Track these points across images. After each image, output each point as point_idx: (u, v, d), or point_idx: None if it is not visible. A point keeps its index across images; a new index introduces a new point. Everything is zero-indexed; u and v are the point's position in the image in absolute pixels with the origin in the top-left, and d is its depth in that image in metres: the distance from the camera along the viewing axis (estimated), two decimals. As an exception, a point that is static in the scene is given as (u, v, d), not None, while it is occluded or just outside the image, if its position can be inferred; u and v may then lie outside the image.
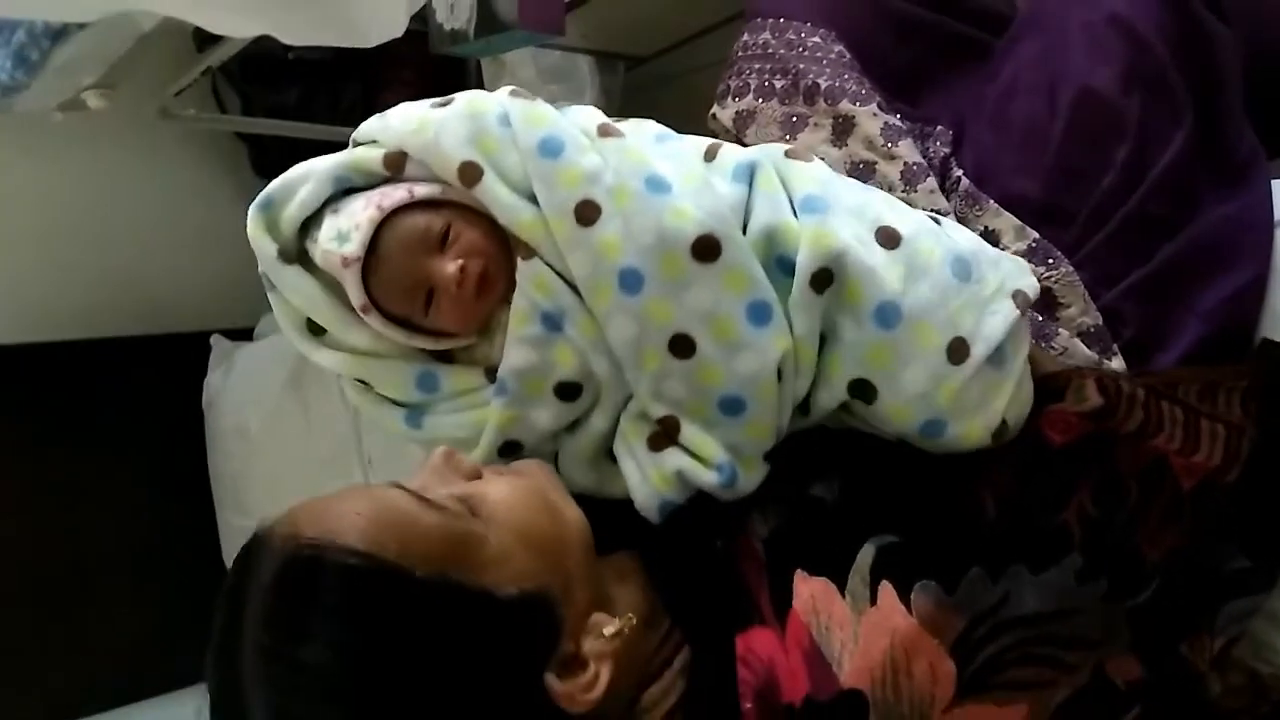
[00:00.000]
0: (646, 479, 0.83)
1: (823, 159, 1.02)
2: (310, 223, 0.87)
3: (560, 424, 0.86)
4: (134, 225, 2.20)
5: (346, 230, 0.83)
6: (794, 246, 0.79)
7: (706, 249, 0.78)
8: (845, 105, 1.02)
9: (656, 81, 1.88)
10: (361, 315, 0.85)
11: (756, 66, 1.10)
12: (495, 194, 0.82)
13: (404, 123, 0.87)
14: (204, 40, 1.82)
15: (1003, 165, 0.96)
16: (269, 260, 0.86)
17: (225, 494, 2.04)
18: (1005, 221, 0.94)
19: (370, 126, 0.92)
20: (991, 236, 0.94)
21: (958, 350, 0.77)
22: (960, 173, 0.99)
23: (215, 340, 2.14)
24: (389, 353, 0.89)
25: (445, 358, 0.91)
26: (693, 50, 1.79)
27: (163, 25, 1.42)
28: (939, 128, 1.03)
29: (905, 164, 0.98)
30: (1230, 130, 0.96)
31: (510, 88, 0.91)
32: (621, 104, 1.87)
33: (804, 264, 0.77)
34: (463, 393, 0.88)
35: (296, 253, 0.88)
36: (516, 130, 0.84)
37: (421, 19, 2.17)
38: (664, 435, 0.82)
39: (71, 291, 2.13)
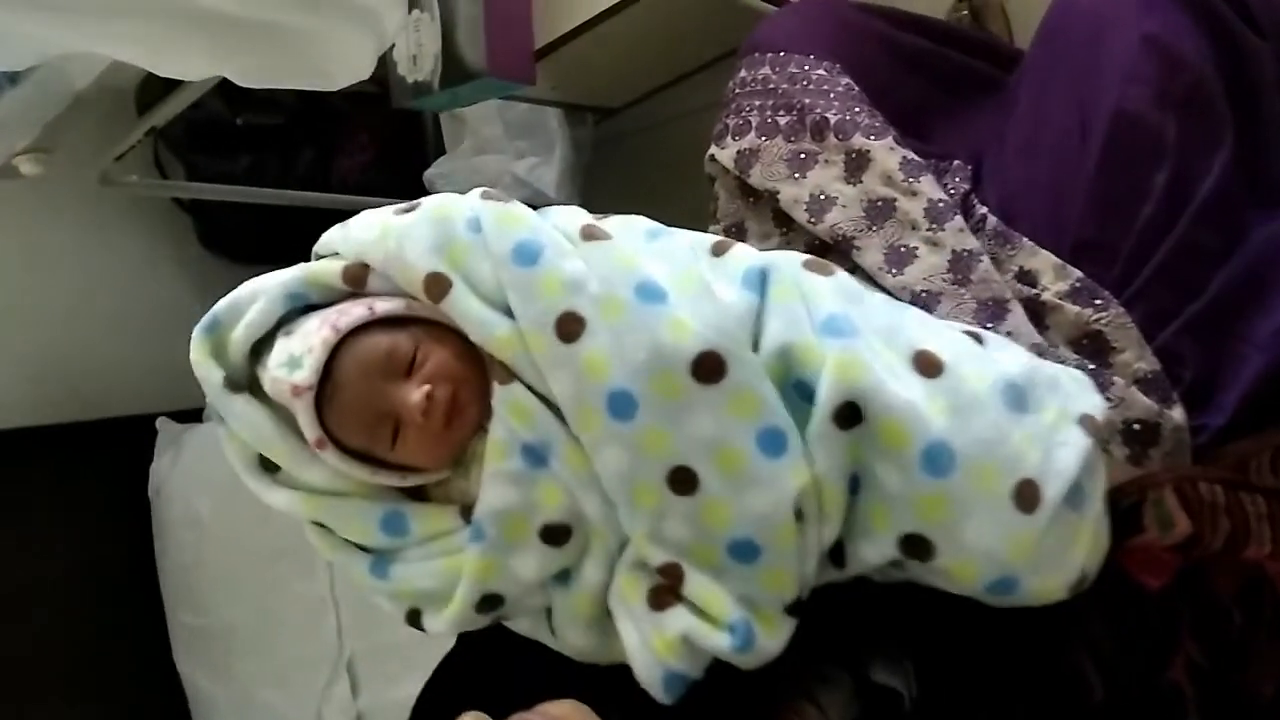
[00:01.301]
0: (648, 645, 0.72)
1: (835, 197, 0.95)
2: (261, 346, 0.79)
3: (546, 573, 0.76)
4: (72, 301, 2.09)
5: (298, 354, 0.75)
6: (815, 370, 0.70)
7: (709, 368, 0.69)
8: (859, 139, 0.94)
9: (627, 134, 1.80)
10: (315, 450, 0.77)
11: (757, 103, 1.02)
12: (465, 308, 0.74)
13: (365, 231, 0.80)
14: (146, 101, 1.72)
15: (1034, 199, 0.87)
16: (214, 389, 0.78)
17: (176, 590, 1.91)
18: (1043, 260, 0.85)
19: (331, 237, 0.84)
20: (1029, 277, 0.85)
21: (1027, 495, 0.66)
22: (985, 210, 0.91)
23: (162, 423, 2.04)
24: (350, 491, 0.79)
25: (416, 494, 0.82)
26: (663, 101, 1.72)
27: (100, 84, 1.32)
28: (955, 162, 0.95)
29: (929, 200, 0.90)
30: (1272, 147, 0.89)
31: (481, 190, 0.83)
32: (591, 158, 1.79)
33: (827, 397, 0.68)
34: (435, 536, 0.78)
35: (246, 380, 0.79)
36: (488, 235, 0.76)
37: (376, 80, 2.12)
38: (667, 589, 0.72)
39: (2, 374, 2.00)
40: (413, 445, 0.76)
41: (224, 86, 2.00)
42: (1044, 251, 0.85)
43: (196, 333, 0.79)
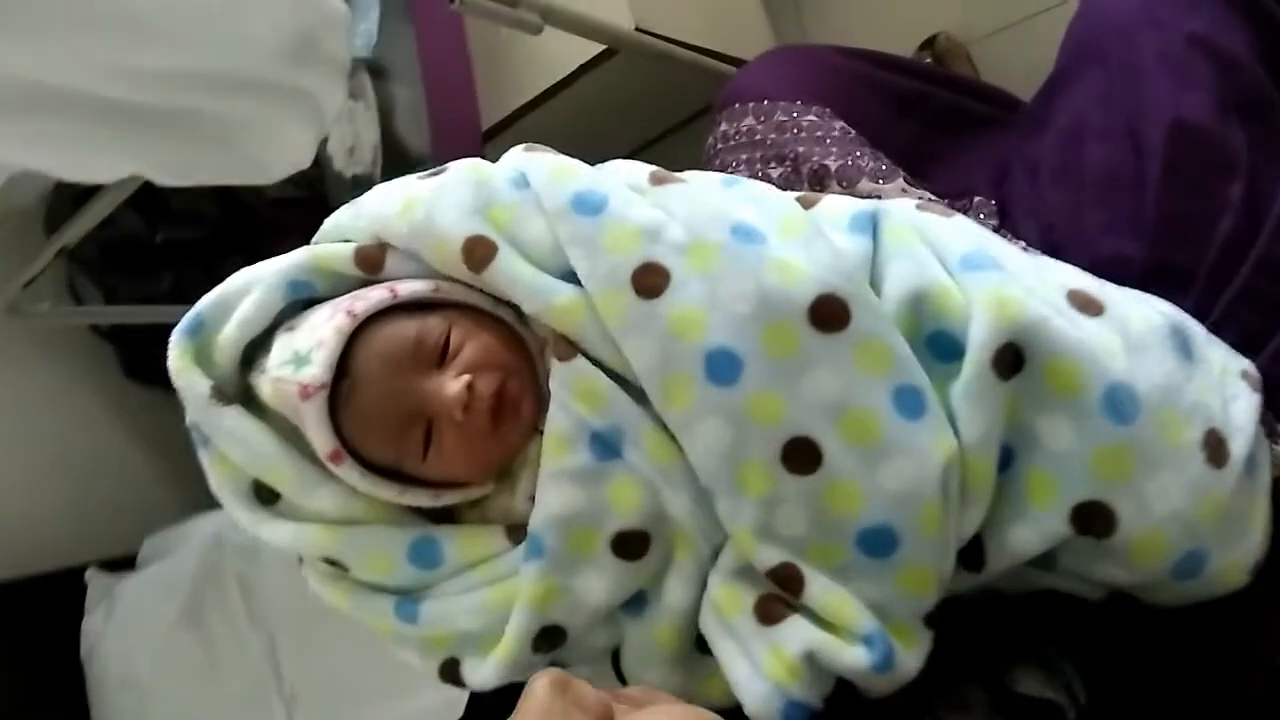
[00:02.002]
0: (759, 669, 0.59)
1: None
2: (256, 349, 0.67)
3: (620, 597, 0.63)
4: (-20, 448, 1.95)
5: (306, 349, 0.64)
6: (956, 317, 0.60)
7: (830, 314, 0.59)
8: (866, 185, 0.85)
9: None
10: (331, 467, 0.64)
11: (744, 156, 0.93)
12: (515, 273, 0.63)
13: (382, 204, 0.69)
14: (54, 221, 1.58)
15: (1085, 226, 0.79)
16: (199, 402, 0.65)
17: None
18: None
19: (338, 219, 0.72)
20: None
21: (1215, 446, 0.57)
22: (1021, 244, 0.81)
23: (91, 575, 1.86)
24: (369, 517, 0.66)
25: (447, 517, 0.69)
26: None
27: (3, 203, 1.19)
28: (976, 199, 0.87)
29: (956, 242, 0.81)
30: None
31: (522, 145, 0.72)
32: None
33: (982, 338, 0.58)
34: (476, 563, 0.65)
35: (238, 390, 0.68)
36: (539, 189, 0.65)
37: (306, 183, 2.01)
38: (778, 599, 0.60)
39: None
40: (451, 451, 0.64)
41: (139, 201, 1.93)
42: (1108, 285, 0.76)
43: (176, 335, 0.67)
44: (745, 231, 0.62)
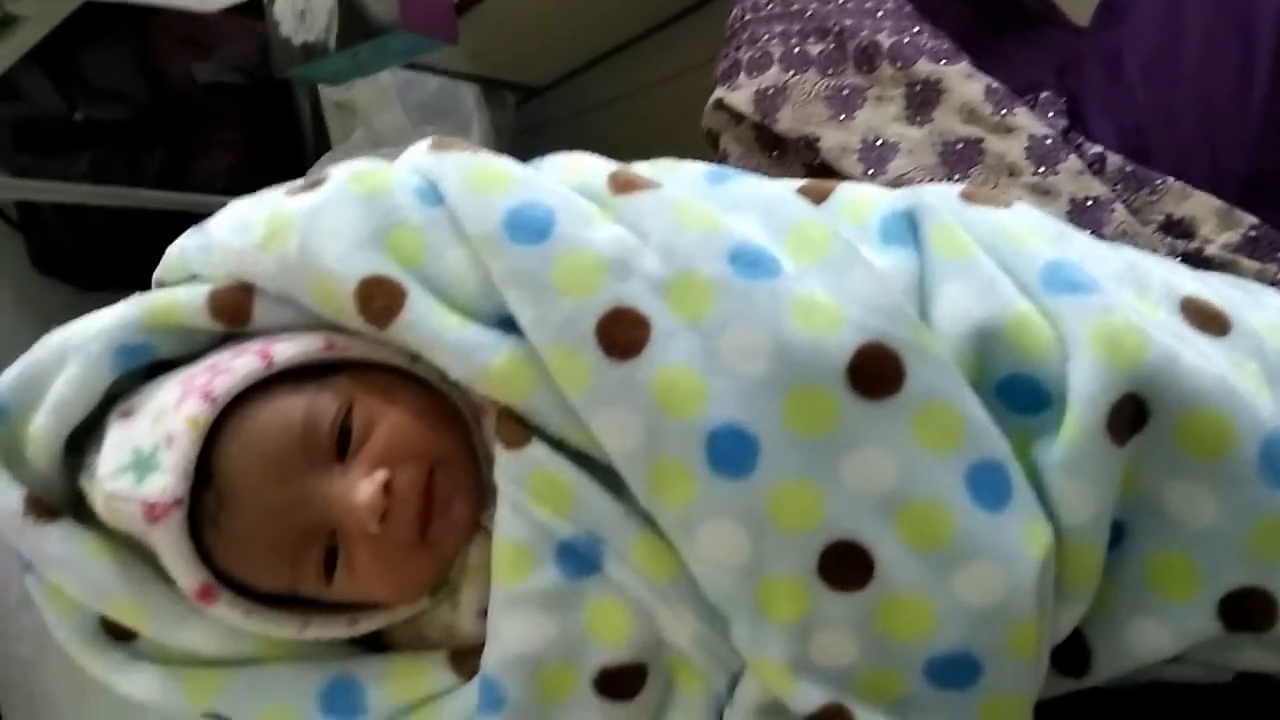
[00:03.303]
0: None
1: (897, 142, 0.73)
2: (83, 439, 0.53)
3: None
4: None
5: (149, 448, 0.49)
6: (1041, 356, 0.46)
7: (878, 372, 0.45)
8: (925, 66, 0.73)
9: (553, 121, 1.56)
10: (200, 606, 0.50)
11: (779, 29, 0.80)
12: (433, 326, 0.49)
13: (238, 233, 0.53)
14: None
15: (1175, 128, 0.67)
16: (10, 521, 0.51)
17: (13, 689, 1.62)
18: (1200, 204, 0.65)
19: (182, 248, 0.55)
20: (1181, 227, 0.65)
21: None
22: (1099, 148, 0.70)
23: None
24: (264, 653, 0.53)
25: (373, 640, 0.56)
26: (595, 80, 1.49)
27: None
28: (1044, 94, 0.75)
29: (1030, 138, 0.70)
30: None
31: (429, 140, 0.56)
32: (511, 150, 1.54)
33: (1092, 391, 0.44)
34: (413, 707, 0.51)
35: (63, 497, 0.53)
36: (456, 205, 0.50)
37: (240, 68, 1.83)
38: None
39: None
40: (366, 572, 0.50)
41: (57, 76, 1.75)
42: (1199, 193, 0.65)
43: None
44: (749, 258, 0.47)
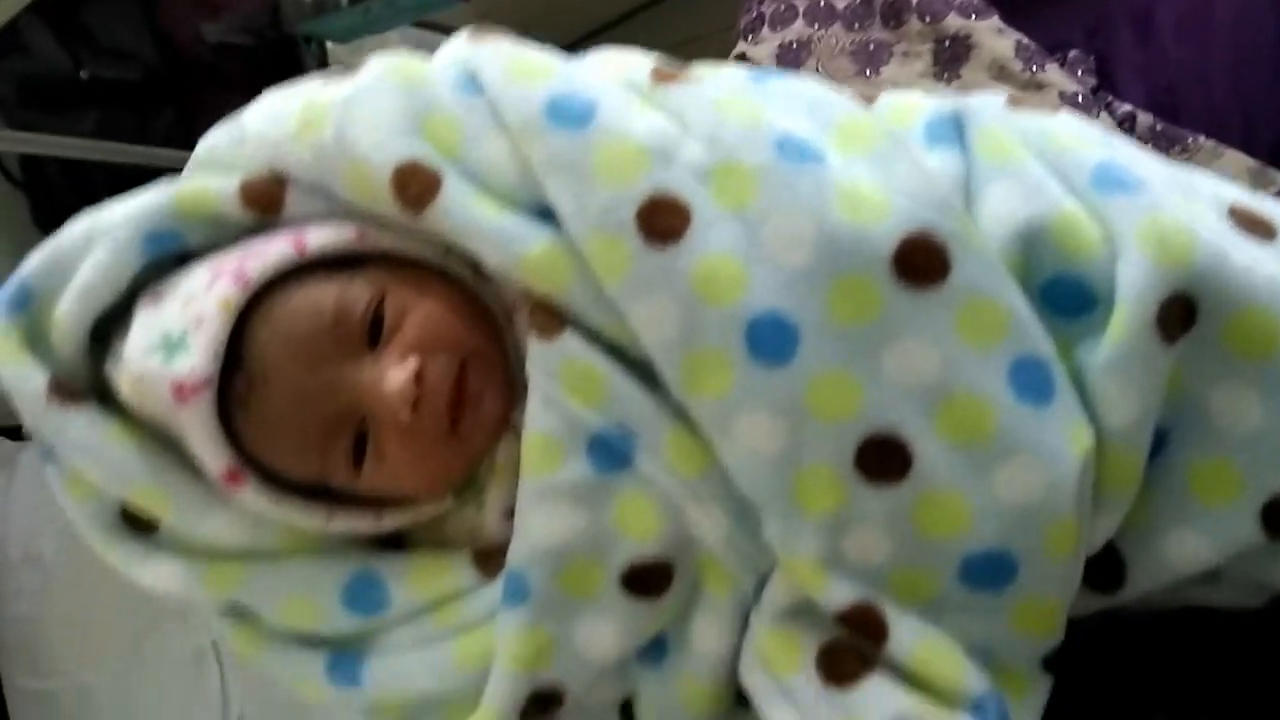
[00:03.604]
0: None
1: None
2: (110, 326, 0.52)
3: (633, 645, 0.49)
4: None
5: (179, 330, 0.48)
6: (1089, 256, 0.45)
7: (923, 261, 0.44)
8: (954, 20, 0.73)
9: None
10: (227, 490, 0.50)
11: (804, -18, 0.78)
12: (470, 212, 0.47)
13: (272, 121, 0.52)
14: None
15: (1207, 86, 0.67)
16: (33, 403, 0.50)
17: (15, 648, 1.61)
18: (1231, 163, 0.65)
19: (213, 144, 0.55)
20: None
21: None
22: (1128, 106, 0.69)
23: None
24: (286, 547, 0.52)
25: (394, 541, 0.55)
26: (609, 43, 1.47)
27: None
28: (1073, 52, 0.74)
29: (1061, 94, 0.69)
30: None
31: (467, 30, 0.54)
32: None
33: (1142, 288, 0.43)
34: (436, 604, 0.51)
35: (87, 381, 0.52)
36: (496, 94, 0.49)
37: (248, 29, 1.81)
38: (852, 651, 0.46)
39: None
40: (396, 462, 0.49)
41: (64, 33, 1.73)
42: (1231, 151, 0.65)
43: None
44: (794, 147, 0.46)
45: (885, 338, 0.44)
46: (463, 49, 0.53)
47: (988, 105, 0.51)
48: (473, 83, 0.50)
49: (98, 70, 1.69)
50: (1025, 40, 0.71)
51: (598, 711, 0.52)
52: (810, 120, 0.48)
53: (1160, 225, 0.44)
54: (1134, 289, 0.43)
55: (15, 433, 1.73)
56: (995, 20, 0.72)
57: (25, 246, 1.79)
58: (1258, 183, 0.63)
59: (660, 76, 0.50)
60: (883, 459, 0.44)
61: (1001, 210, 0.46)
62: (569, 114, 0.47)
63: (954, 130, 0.50)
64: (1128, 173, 0.47)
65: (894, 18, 0.74)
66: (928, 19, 0.73)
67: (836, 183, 0.45)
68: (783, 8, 0.79)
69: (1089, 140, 0.49)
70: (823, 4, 0.77)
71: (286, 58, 1.79)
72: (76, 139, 1.54)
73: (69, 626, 1.53)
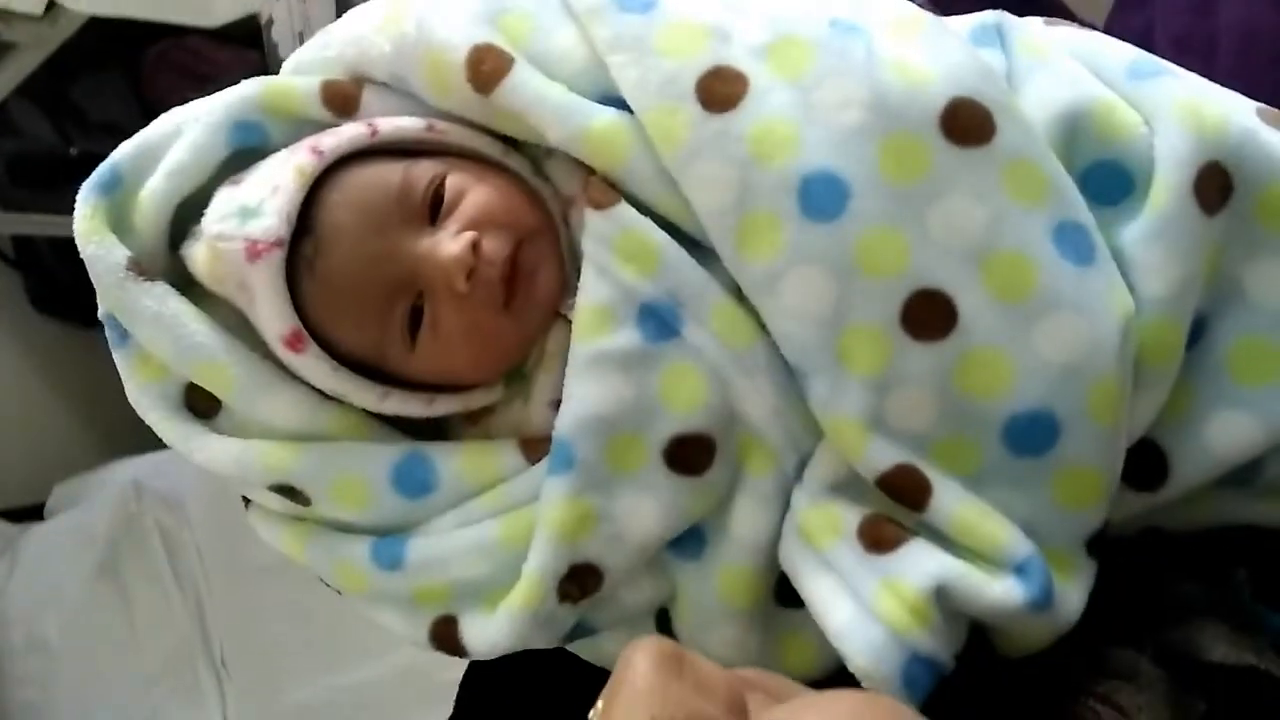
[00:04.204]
0: (868, 610, 0.45)
1: None
2: (191, 214, 0.53)
3: (674, 527, 0.49)
4: None
5: (256, 200, 0.50)
6: (1127, 139, 0.47)
7: (970, 123, 0.46)
8: None
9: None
10: (287, 356, 0.52)
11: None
12: (537, 89, 0.50)
13: (358, 21, 0.55)
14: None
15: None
16: (112, 277, 0.52)
17: None
18: None
19: (299, 56, 0.58)
20: None
21: None
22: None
23: None
24: (339, 431, 0.53)
25: (437, 433, 0.56)
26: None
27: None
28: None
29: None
30: None
31: None
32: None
33: (1179, 156, 0.45)
34: (482, 488, 0.52)
35: (165, 265, 0.54)
36: None
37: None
38: (890, 519, 0.47)
39: None
40: (450, 334, 0.51)
41: (53, 110, 1.75)
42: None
43: (85, 192, 0.53)
44: (847, 25, 0.49)
45: (933, 195, 0.45)
46: None
47: (1024, 20, 0.54)
48: None
49: (88, 146, 1.73)
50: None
51: (635, 615, 0.52)
52: (859, 11, 0.51)
53: (1195, 102, 0.46)
54: (1172, 157, 0.45)
55: (16, 515, 1.80)
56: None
57: (20, 323, 1.82)
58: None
59: None
60: (928, 315, 0.45)
61: (1044, 96, 0.48)
62: (633, 0, 0.50)
63: (995, 34, 0.52)
64: (1161, 65, 0.49)
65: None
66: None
67: (887, 52, 0.48)
68: None
69: (1122, 45, 0.51)
70: None
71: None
72: (68, 217, 1.54)
73: (77, 711, 1.52)
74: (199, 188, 0.53)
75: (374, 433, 0.54)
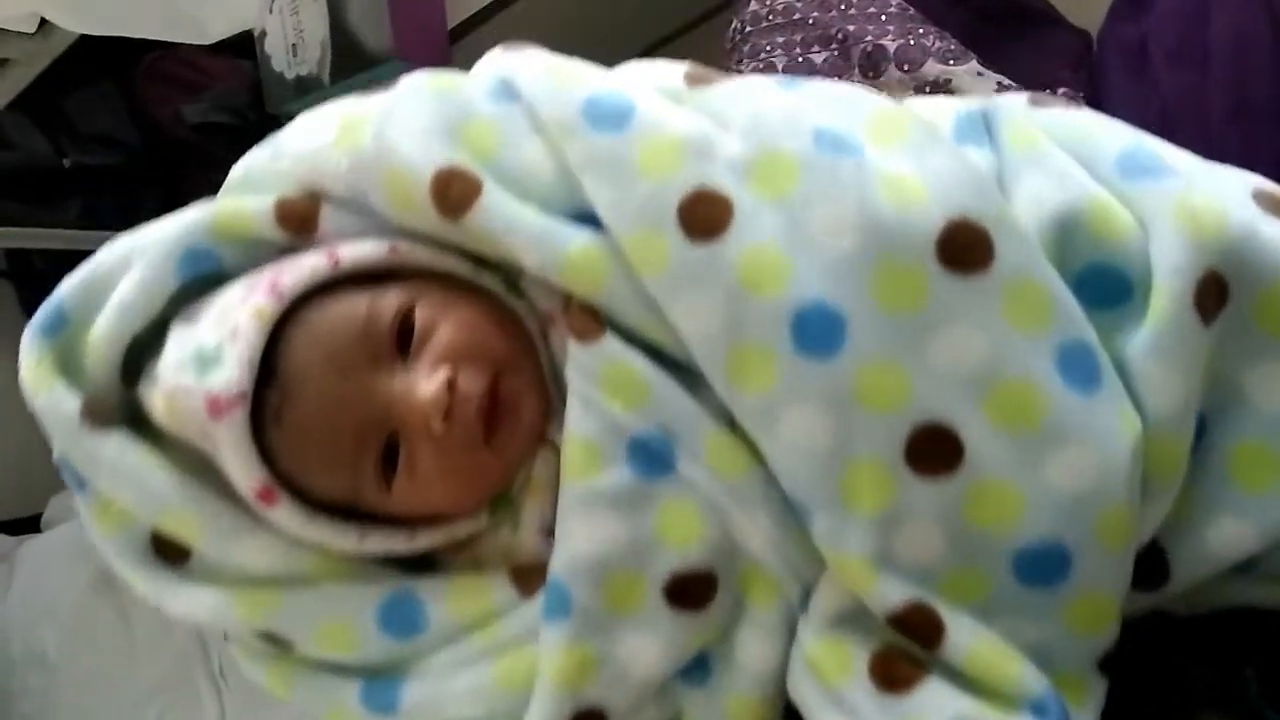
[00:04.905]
0: None
1: None
2: (144, 351, 0.51)
3: (678, 661, 0.48)
4: None
5: (214, 344, 0.48)
6: (1122, 241, 0.45)
7: (968, 247, 0.44)
8: (932, 67, 0.73)
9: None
10: (260, 509, 0.49)
11: (781, 39, 0.80)
12: (510, 214, 0.47)
13: (310, 134, 0.53)
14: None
15: (1205, 117, 0.67)
16: (66, 426, 0.50)
17: None
18: None
19: (248, 164, 0.55)
20: None
21: None
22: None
23: None
24: (320, 572, 0.51)
25: (426, 564, 0.54)
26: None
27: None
28: (1061, 90, 0.74)
29: (1047, 134, 0.68)
30: None
31: (500, 45, 0.55)
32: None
33: (1177, 265, 0.43)
34: (474, 625, 0.50)
35: (120, 407, 0.52)
36: (533, 98, 0.49)
37: (229, 108, 1.82)
38: (905, 655, 0.45)
39: None
40: (428, 476, 0.48)
41: (46, 123, 1.74)
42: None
43: (29, 335, 0.51)
44: (832, 137, 0.46)
45: (932, 325, 0.44)
46: (498, 59, 0.53)
47: (1013, 104, 0.52)
48: (508, 89, 0.50)
49: (80, 158, 1.71)
50: (1006, 81, 0.71)
51: None
52: (845, 115, 0.48)
53: (1191, 203, 0.44)
54: (1171, 267, 0.43)
55: (13, 528, 1.75)
56: (974, 64, 0.72)
57: (13, 334, 1.79)
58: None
59: (694, 80, 0.51)
60: (934, 450, 0.43)
61: (1034, 201, 0.46)
62: (607, 114, 0.47)
63: (982, 127, 0.50)
64: (1153, 158, 0.47)
65: (873, 69, 0.74)
66: (906, 67, 0.73)
67: (876, 169, 0.45)
68: (762, 66, 0.79)
69: (1112, 130, 0.49)
70: (801, 60, 0.77)
71: (269, 135, 1.81)
72: (60, 230, 1.55)
73: (74, 725, 1.52)
74: (152, 321, 0.51)
75: (356, 569, 0.51)
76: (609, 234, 0.46)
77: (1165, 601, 0.47)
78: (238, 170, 0.55)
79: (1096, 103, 0.72)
